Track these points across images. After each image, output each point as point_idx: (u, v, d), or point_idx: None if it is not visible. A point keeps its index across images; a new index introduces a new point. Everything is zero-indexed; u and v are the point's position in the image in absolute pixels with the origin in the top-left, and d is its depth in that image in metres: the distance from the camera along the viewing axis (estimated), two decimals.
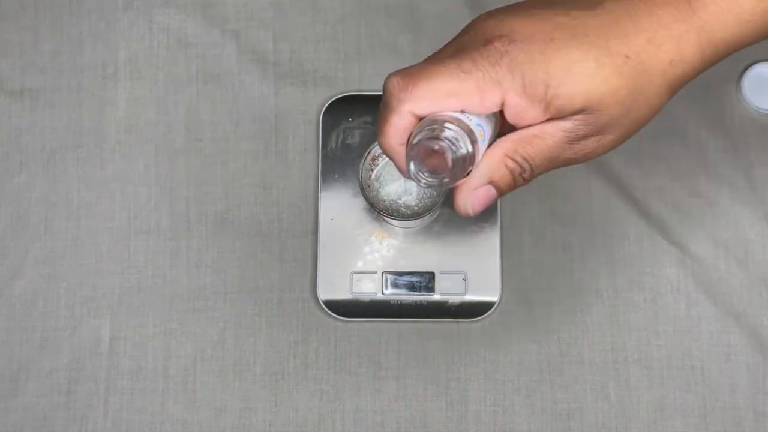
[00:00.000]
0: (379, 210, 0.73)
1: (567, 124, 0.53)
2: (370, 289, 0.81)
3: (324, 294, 0.81)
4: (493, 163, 0.55)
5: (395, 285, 0.81)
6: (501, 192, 0.56)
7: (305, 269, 0.82)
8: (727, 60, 0.84)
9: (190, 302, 0.81)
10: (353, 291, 0.81)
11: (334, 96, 0.83)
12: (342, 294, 0.81)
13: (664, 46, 0.53)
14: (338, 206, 0.82)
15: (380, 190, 0.73)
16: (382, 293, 0.81)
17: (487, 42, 0.52)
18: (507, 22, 0.53)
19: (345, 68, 0.85)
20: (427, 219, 0.74)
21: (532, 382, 0.80)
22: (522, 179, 0.56)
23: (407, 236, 0.81)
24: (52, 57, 0.85)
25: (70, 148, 0.84)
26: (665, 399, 0.79)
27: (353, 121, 0.83)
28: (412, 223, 0.73)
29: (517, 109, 0.53)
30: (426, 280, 0.81)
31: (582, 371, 0.79)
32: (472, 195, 0.55)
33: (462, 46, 0.53)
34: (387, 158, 0.64)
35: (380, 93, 0.55)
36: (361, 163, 0.72)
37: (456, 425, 0.79)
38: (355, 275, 0.81)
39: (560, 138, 0.54)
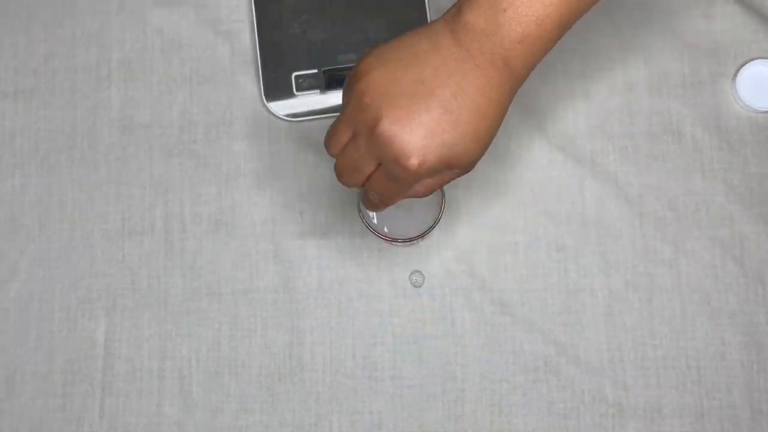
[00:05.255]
0: (380, 235, 0.75)
1: None
2: None
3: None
4: None
5: None
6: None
7: (300, 269, 0.81)
8: (723, 58, 0.84)
9: (185, 303, 0.81)
10: None
11: None
12: None
13: None
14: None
15: (379, 219, 0.76)
16: None
17: None
18: None
19: None
20: (426, 237, 0.76)
21: (528, 381, 0.79)
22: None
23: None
24: (45, 59, 0.85)
25: (64, 150, 0.84)
26: (662, 398, 0.79)
27: None
28: (411, 243, 0.77)
29: None
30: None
31: (578, 371, 0.79)
32: None
33: None
34: None
35: None
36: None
37: (453, 425, 0.79)
38: None
39: None
